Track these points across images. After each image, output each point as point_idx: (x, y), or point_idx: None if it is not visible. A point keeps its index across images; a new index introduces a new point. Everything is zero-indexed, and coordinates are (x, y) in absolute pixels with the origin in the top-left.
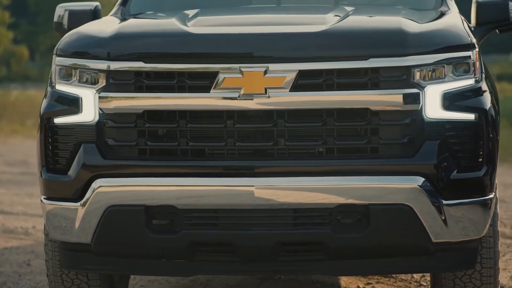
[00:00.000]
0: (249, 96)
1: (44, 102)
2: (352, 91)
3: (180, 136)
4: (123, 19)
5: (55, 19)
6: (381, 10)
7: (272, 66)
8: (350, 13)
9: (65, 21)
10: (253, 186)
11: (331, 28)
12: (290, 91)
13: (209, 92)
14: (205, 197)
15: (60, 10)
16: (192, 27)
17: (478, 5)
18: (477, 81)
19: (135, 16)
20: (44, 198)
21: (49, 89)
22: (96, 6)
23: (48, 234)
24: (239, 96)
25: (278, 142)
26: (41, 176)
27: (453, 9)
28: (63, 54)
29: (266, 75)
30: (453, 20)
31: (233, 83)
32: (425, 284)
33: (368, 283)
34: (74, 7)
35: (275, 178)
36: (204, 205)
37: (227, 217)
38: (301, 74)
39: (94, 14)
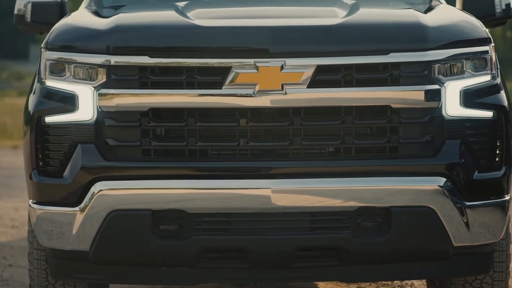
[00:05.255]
0: (264, 93)
1: (33, 100)
2: (372, 87)
3: (188, 135)
4: (96, 11)
5: (16, 11)
6: (379, 3)
7: (289, 61)
8: (355, 5)
9: (27, 14)
10: (267, 188)
11: (350, 22)
12: (307, 87)
13: (221, 88)
14: (216, 200)
15: (20, 3)
16: (199, 20)
17: (464, 0)
18: (493, 77)
19: (115, 8)
20: (34, 203)
21: (37, 85)
22: None
23: (33, 242)
24: (253, 92)
25: (295, 141)
26: (31, 179)
27: (444, 2)
28: (54, 47)
29: (282, 71)
30: (463, 14)
31: (248, 79)
32: None
33: None
34: None
35: (291, 179)
36: (216, 209)
37: (240, 221)
38: (319, 69)
39: (61, 7)
